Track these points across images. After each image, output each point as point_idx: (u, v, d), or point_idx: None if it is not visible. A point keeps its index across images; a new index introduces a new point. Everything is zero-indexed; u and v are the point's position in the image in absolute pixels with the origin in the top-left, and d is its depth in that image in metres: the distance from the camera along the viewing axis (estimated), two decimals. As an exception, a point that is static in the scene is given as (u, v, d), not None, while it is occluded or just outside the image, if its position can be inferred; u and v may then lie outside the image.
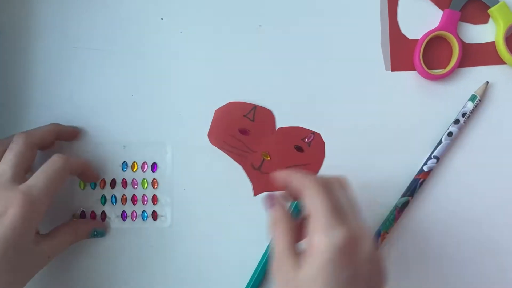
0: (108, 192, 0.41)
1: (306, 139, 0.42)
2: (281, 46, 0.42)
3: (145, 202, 0.41)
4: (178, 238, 0.41)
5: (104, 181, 0.42)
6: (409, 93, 0.41)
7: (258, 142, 0.41)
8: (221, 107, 0.42)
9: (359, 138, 0.41)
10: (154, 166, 0.42)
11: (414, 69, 0.42)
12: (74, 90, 0.42)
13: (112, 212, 0.42)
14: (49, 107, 0.42)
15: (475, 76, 0.41)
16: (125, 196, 0.42)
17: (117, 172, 0.41)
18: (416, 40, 0.41)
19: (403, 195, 0.41)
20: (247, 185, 0.42)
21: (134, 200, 0.41)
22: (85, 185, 0.42)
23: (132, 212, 0.41)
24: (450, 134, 0.40)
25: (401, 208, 0.40)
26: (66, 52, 0.42)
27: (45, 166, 0.35)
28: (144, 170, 0.42)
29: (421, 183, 0.40)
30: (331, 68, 0.42)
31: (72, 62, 0.42)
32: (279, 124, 0.42)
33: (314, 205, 0.29)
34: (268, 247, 0.40)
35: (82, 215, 0.41)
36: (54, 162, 0.35)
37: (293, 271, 0.28)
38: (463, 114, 0.40)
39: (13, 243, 0.32)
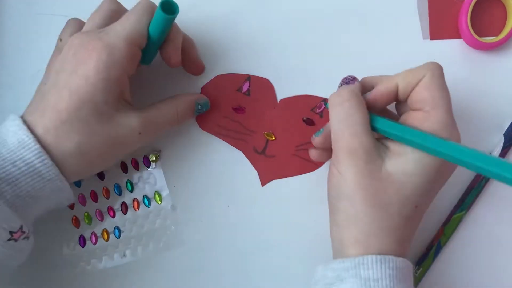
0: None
1: (317, 109, 0.35)
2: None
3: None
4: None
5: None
6: (453, 66, 0.34)
7: (258, 120, 0.35)
8: (207, 83, 0.36)
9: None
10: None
11: (459, 37, 0.36)
12: (40, 67, 0.33)
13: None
14: (11, 86, 0.36)
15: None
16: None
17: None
18: (462, 0, 0.35)
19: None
20: (252, 174, 0.35)
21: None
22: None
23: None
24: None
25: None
26: (29, 20, 0.36)
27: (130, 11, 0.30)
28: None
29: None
30: (352, 35, 0.35)
31: (37, 32, 0.36)
32: (281, 95, 0.35)
33: (441, 96, 0.27)
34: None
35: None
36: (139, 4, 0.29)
37: (378, 158, 0.27)
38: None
39: (87, 98, 0.27)
